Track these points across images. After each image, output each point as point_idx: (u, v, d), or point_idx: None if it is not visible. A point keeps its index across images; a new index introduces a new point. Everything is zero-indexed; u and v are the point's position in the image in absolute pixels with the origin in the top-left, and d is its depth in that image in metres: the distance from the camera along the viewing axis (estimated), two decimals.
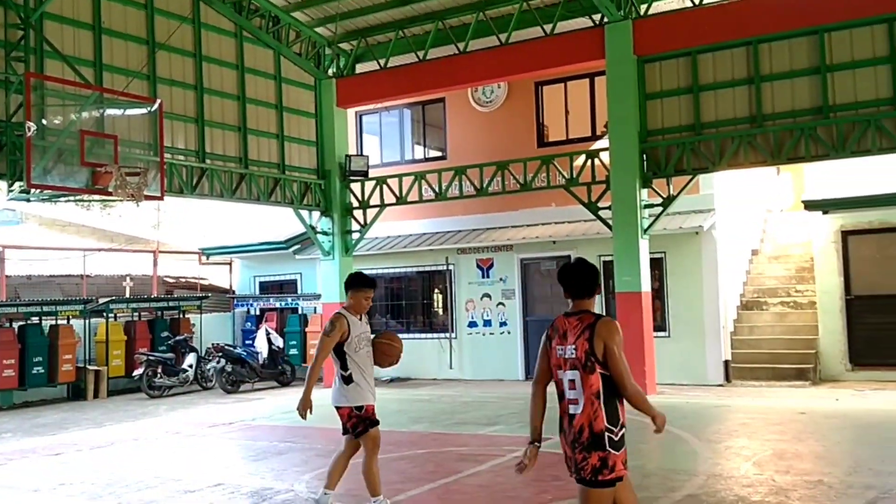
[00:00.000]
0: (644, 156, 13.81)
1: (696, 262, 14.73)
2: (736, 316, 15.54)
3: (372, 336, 6.53)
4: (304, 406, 6.24)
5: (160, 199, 13.19)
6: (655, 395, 13.27)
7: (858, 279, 14.49)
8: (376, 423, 6.39)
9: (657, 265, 14.78)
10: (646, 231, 13.73)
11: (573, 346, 4.24)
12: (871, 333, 14.28)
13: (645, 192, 13.87)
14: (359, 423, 6.34)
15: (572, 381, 4.22)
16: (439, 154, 18.18)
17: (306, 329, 18.12)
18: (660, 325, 14.70)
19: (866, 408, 11.41)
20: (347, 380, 6.28)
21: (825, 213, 14.63)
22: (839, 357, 14.41)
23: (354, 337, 6.30)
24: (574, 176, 14.58)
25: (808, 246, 15.79)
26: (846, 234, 14.61)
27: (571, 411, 4.24)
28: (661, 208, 13.81)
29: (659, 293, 14.90)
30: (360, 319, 6.47)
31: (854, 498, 6.52)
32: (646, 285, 13.61)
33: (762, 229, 17.46)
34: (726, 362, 14.60)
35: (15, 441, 10.94)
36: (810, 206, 14.63)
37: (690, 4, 13.59)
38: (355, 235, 17.03)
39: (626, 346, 13.49)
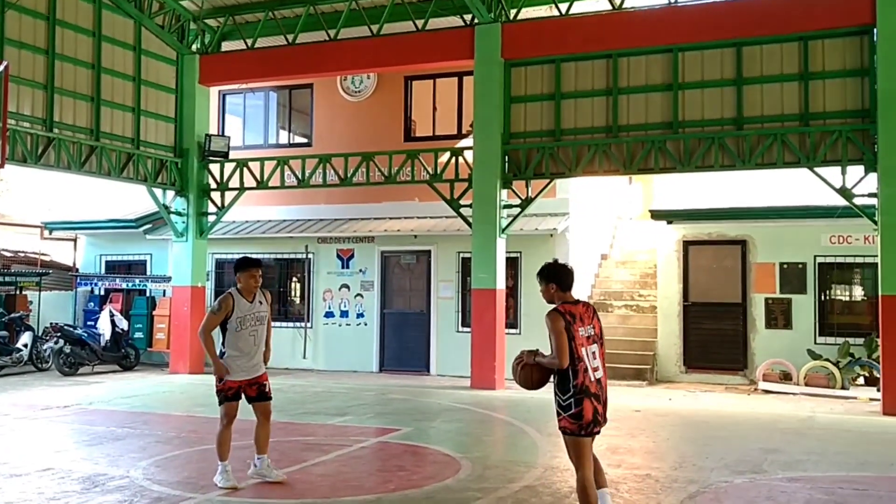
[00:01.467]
0: (506, 157, 14.17)
1: None
2: None
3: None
4: (219, 370, 6.80)
5: (0, 166, 12.34)
6: (504, 389, 13.66)
7: (695, 287, 15.43)
8: (230, 399, 6.87)
9: (512, 264, 15.20)
10: (503, 230, 14.08)
11: (591, 326, 5.45)
12: (704, 338, 15.26)
13: (505, 192, 14.22)
14: (218, 394, 6.86)
15: (594, 353, 5.38)
16: (304, 140, 17.93)
17: (154, 312, 17.45)
18: (512, 322, 15.12)
19: (695, 407, 12.17)
20: (221, 355, 6.85)
21: (669, 223, 15.49)
22: (674, 359, 15.30)
23: (237, 317, 6.86)
24: (438, 172, 14.76)
25: (652, 253, 16.67)
26: (687, 244, 15.53)
27: (597, 377, 5.36)
28: (519, 209, 14.20)
29: (513, 292, 15.33)
30: (253, 300, 7.02)
31: (677, 491, 6.95)
32: (501, 283, 13.96)
33: (612, 235, 18.29)
34: None
35: None
36: (656, 215, 15.46)
37: (558, 13, 14.04)
38: (211, 218, 16.54)
39: (479, 342, 13.79)
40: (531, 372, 5.49)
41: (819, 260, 14.57)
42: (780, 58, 12.92)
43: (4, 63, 12.23)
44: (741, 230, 15.08)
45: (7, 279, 17.09)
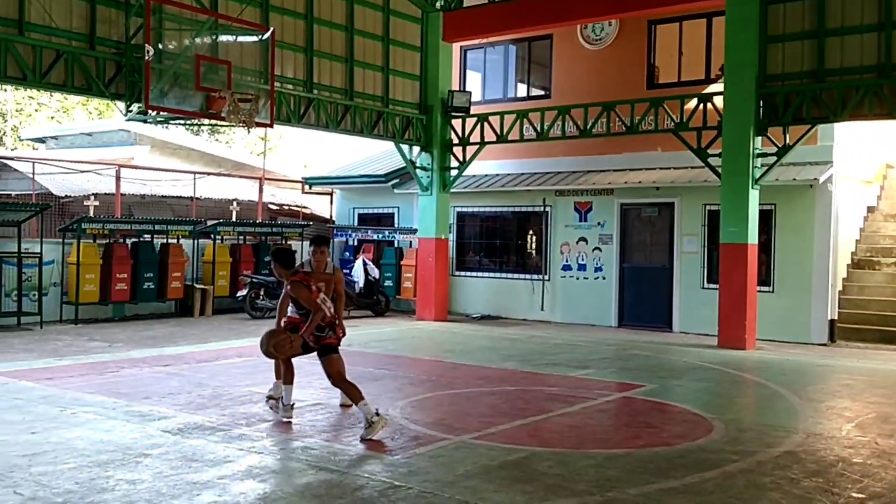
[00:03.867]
0: (760, 102, 13.21)
1: (808, 216, 14.15)
2: (846, 274, 14.92)
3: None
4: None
5: (269, 126, 13.44)
6: (754, 349, 12.97)
7: None
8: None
9: (766, 217, 14.25)
10: (757, 181, 13.22)
11: (322, 283, 7.60)
12: None
13: (759, 140, 13.32)
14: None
15: (325, 297, 7.27)
16: (543, 93, 17.85)
17: (401, 262, 18.36)
18: (764, 279, 14.25)
19: None
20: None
21: None
22: None
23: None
24: (684, 120, 14.10)
25: None
26: None
27: (331, 312, 7.20)
28: (774, 158, 13.25)
29: (765, 247, 14.40)
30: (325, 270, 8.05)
31: None
32: (753, 238, 13.16)
33: (880, 185, 16.58)
34: (832, 321, 14.08)
35: (126, 351, 11.56)
36: None
37: None
38: (453, 172, 17.03)
39: (727, 299, 13.09)
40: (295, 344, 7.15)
41: None
42: None
43: (270, 29, 13.23)
44: None
45: (274, 230, 18.72)
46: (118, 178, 17.82)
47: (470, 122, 16.79)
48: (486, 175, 18.11)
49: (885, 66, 12.32)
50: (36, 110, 35.17)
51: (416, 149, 17.01)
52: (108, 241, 15.47)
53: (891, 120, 13.94)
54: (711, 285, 14.58)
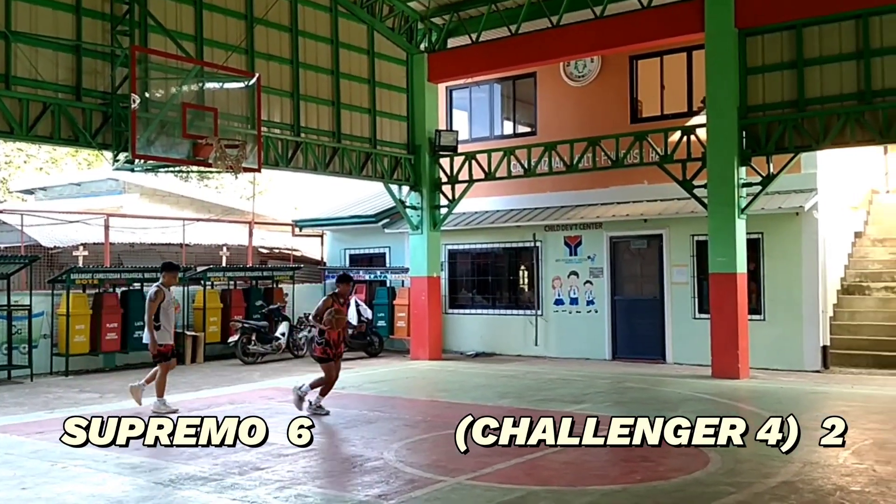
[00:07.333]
0: (743, 132, 13.37)
1: (795, 243, 14.24)
2: (836, 300, 14.97)
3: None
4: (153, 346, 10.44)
5: (257, 171, 13.49)
6: (748, 378, 12.95)
7: None
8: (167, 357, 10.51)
9: (754, 246, 14.34)
10: (743, 210, 13.32)
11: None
12: None
13: (743, 170, 13.45)
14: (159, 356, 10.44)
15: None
16: (529, 130, 18.01)
17: (394, 302, 18.34)
18: (755, 308, 14.29)
19: None
20: (158, 327, 10.35)
21: None
22: None
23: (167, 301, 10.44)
24: (668, 153, 14.24)
25: None
26: None
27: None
28: (759, 187, 13.37)
29: (755, 275, 14.46)
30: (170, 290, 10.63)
31: None
32: (742, 267, 13.23)
33: (866, 211, 16.72)
34: (824, 348, 14.10)
35: (118, 402, 11.46)
36: None
37: None
38: (443, 210, 17.09)
39: (719, 329, 13.12)
40: None
41: None
42: None
43: (256, 75, 13.35)
44: None
45: (265, 274, 18.70)
46: (107, 228, 17.80)
47: (458, 160, 16.90)
48: (476, 212, 18.19)
49: (864, 93, 12.50)
50: (25, 162, 35.22)
51: (406, 188, 17.09)
52: (97, 291, 15.42)
53: (873, 146, 14.19)
54: (703, 315, 14.62)
